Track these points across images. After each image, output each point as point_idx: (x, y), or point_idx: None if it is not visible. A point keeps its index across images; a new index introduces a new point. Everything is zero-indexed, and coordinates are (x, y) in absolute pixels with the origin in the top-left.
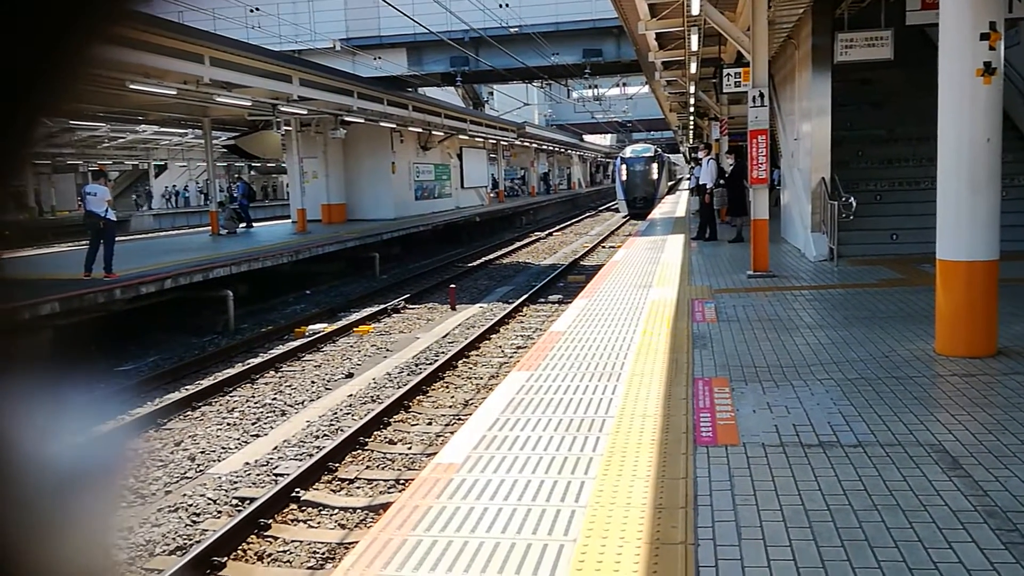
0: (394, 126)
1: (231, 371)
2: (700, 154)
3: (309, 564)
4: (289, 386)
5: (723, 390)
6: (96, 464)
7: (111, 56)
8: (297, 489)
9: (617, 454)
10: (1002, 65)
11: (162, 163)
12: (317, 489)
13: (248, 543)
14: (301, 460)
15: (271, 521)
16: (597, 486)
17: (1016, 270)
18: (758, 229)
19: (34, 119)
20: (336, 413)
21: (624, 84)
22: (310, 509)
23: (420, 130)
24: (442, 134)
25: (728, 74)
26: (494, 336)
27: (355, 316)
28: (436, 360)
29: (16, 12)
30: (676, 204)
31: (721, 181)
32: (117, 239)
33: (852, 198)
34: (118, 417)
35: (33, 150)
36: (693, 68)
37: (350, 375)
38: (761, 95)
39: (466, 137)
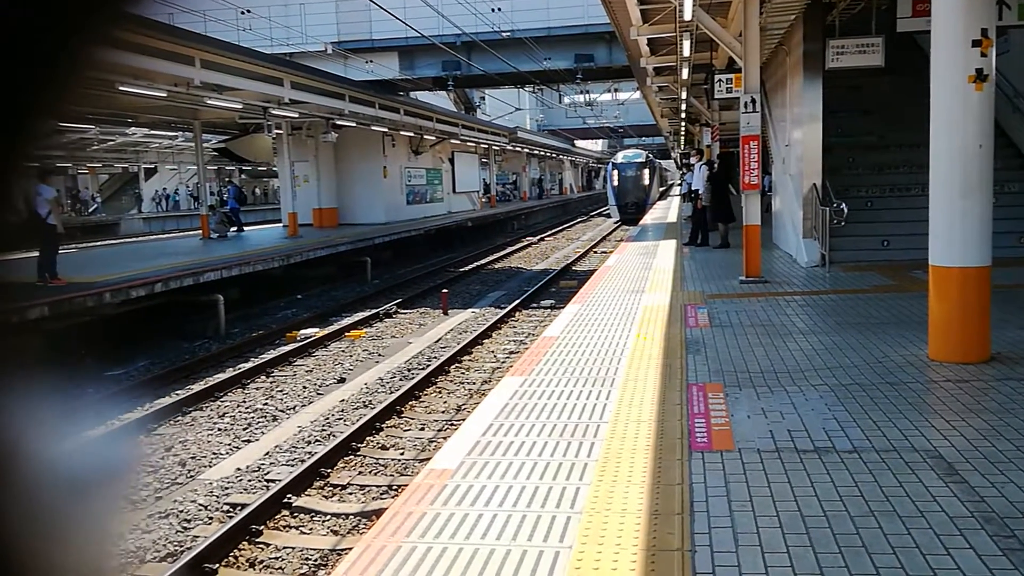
0: (386, 130)
1: (222, 376)
2: (692, 159)
3: (301, 571)
4: (281, 391)
5: (717, 395)
6: (101, 467)
7: (111, 59)
8: (289, 495)
9: (612, 460)
10: (994, 72)
11: (152, 166)
12: (309, 495)
13: (240, 549)
14: (293, 466)
15: (263, 527)
16: (592, 492)
17: (1008, 276)
18: (750, 235)
19: (39, 120)
20: (328, 418)
21: (616, 90)
22: (302, 515)
23: (412, 134)
24: (434, 138)
25: (720, 80)
26: (487, 341)
27: (347, 321)
28: (429, 365)
29: (20, 15)
30: (668, 210)
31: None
32: (110, 241)
33: (843, 204)
34: (107, 422)
35: (39, 151)
36: (685, 74)
37: (342, 380)
38: (753, 101)
39: (458, 142)
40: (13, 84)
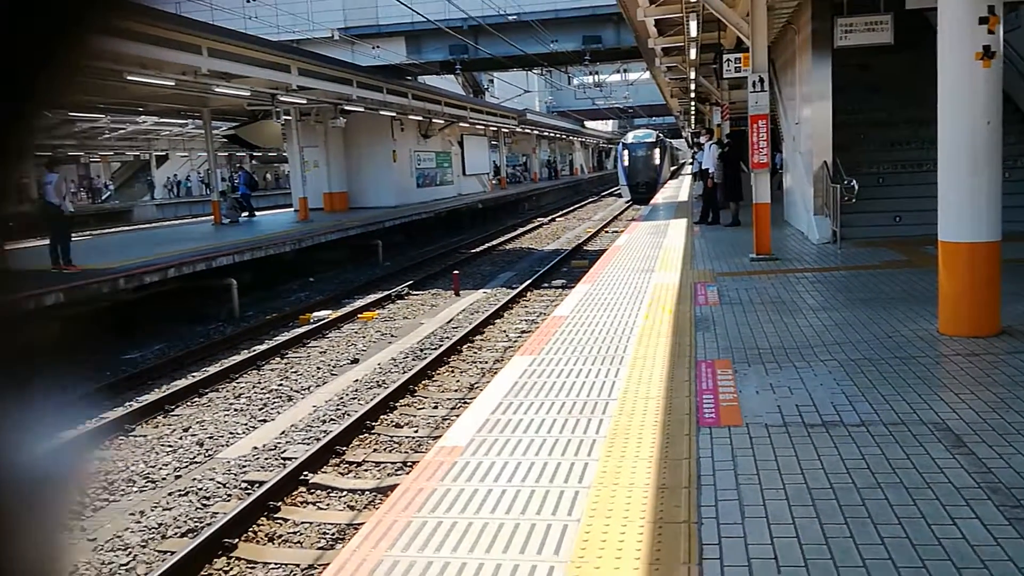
0: (394, 114)
1: (237, 358)
2: (702, 139)
3: (319, 545)
4: (295, 372)
5: (726, 372)
6: (56, 469)
7: (109, 48)
8: (305, 472)
9: (620, 436)
10: (1001, 48)
11: (163, 153)
12: (325, 472)
13: (258, 525)
14: (309, 444)
15: (280, 504)
16: (600, 467)
17: (1019, 251)
18: (760, 213)
19: (36, 111)
20: (342, 398)
21: (625, 70)
22: (318, 492)
23: (420, 118)
24: (443, 122)
25: (728, 60)
26: (498, 321)
27: (359, 303)
28: (441, 345)
29: (17, 6)
30: (679, 189)
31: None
32: (124, 228)
33: (854, 181)
34: (125, 404)
35: (35, 142)
36: (693, 54)
37: (355, 361)
38: (761, 80)
39: (467, 125)
40: (11, 75)
